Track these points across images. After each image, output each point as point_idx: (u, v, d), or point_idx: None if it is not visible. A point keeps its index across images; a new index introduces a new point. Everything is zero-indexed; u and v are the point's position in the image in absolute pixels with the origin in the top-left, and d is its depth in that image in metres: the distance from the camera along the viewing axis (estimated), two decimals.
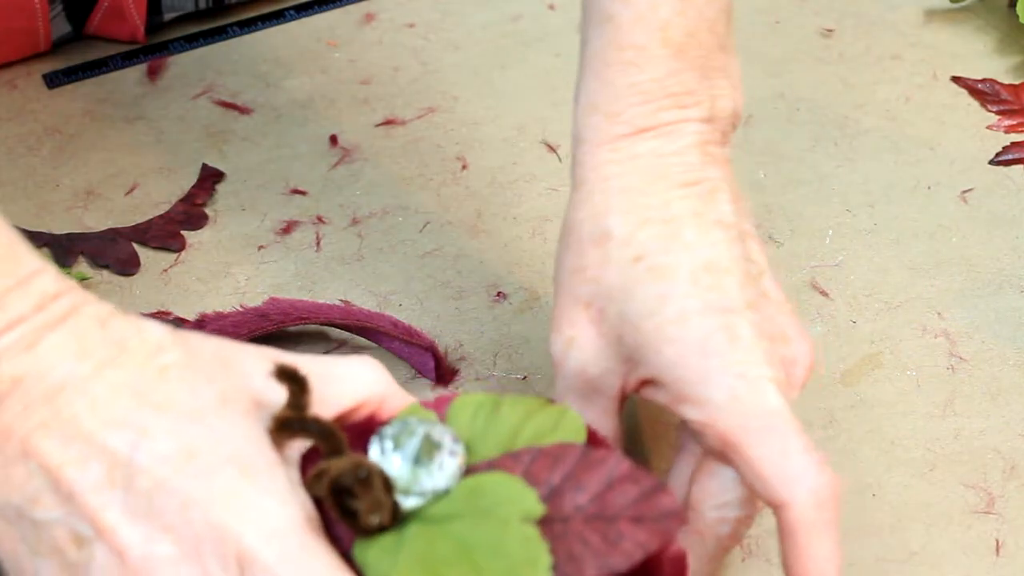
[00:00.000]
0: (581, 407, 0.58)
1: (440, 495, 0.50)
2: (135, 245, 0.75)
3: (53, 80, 0.84)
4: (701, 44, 0.58)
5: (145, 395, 0.48)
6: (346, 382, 0.52)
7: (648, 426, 0.67)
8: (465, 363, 0.69)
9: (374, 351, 0.70)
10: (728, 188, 0.58)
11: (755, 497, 0.56)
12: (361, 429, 0.52)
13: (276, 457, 0.49)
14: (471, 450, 0.51)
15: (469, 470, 0.50)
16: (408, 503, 0.49)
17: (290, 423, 0.49)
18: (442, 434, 0.50)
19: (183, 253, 0.75)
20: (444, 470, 0.50)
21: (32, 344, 0.48)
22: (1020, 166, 0.80)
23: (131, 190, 0.78)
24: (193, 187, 0.78)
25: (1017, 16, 0.86)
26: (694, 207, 0.57)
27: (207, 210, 0.77)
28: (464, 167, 0.79)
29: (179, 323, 0.70)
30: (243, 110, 0.82)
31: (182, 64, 0.85)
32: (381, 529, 0.49)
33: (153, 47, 0.86)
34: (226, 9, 0.89)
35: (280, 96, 0.83)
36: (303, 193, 0.78)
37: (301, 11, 0.88)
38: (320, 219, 0.76)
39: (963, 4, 0.89)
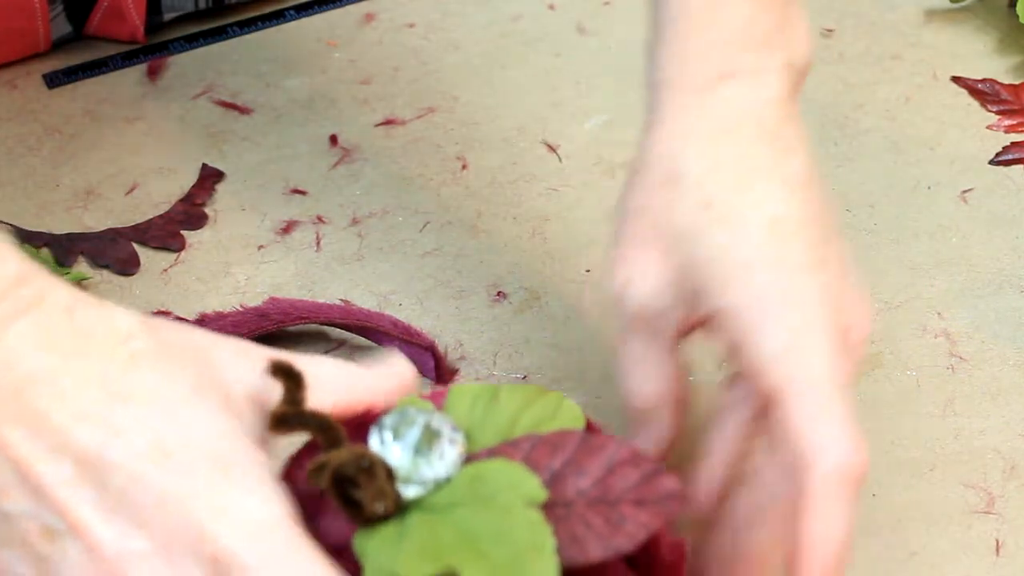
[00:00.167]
0: (643, 347, 0.58)
1: (441, 484, 0.50)
2: (135, 245, 0.75)
3: (53, 80, 0.84)
4: None
5: (115, 386, 0.47)
6: (317, 384, 0.51)
7: None
8: (465, 363, 0.69)
9: (374, 350, 0.70)
10: (802, 147, 0.58)
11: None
12: (359, 422, 0.52)
13: (254, 451, 0.48)
14: (470, 439, 0.51)
15: (468, 459, 0.50)
16: (409, 493, 0.49)
17: (288, 417, 0.49)
18: (441, 423, 0.50)
19: (183, 253, 0.75)
20: (444, 459, 0.50)
21: None
22: (1020, 166, 0.80)
23: (131, 190, 0.78)
24: (193, 187, 0.78)
25: (1017, 16, 0.86)
26: (769, 161, 0.57)
27: (207, 210, 0.77)
28: (464, 167, 0.79)
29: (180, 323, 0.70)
30: (243, 110, 0.82)
31: (182, 64, 0.85)
32: (383, 519, 0.49)
33: (153, 47, 0.86)
34: (226, 9, 0.89)
35: (280, 96, 0.83)
36: (303, 193, 0.78)
37: (301, 11, 0.88)
38: (320, 219, 0.76)
39: (963, 4, 0.89)
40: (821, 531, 0.53)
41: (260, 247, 0.75)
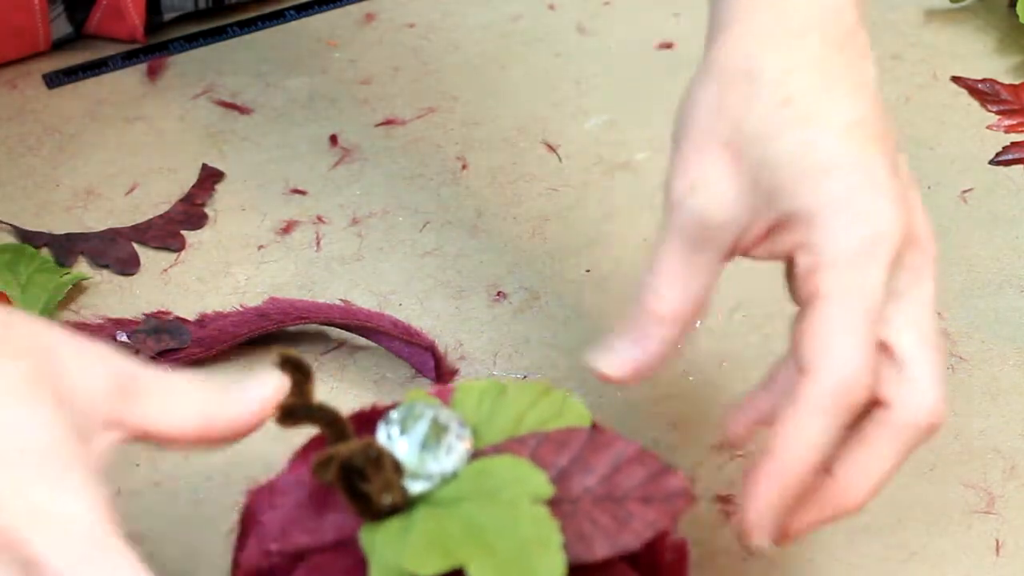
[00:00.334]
0: (688, 256, 0.55)
1: (447, 479, 0.50)
2: (135, 245, 0.75)
3: (53, 80, 0.84)
4: None
5: None
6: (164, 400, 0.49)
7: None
8: (465, 362, 0.69)
9: (374, 350, 0.70)
10: (872, 54, 0.57)
11: None
12: (366, 418, 0.52)
13: (77, 447, 0.46)
14: (476, 435, 0.51)
15: (475, 455, 0.50)
16: (416, 487, 0.49)
17: (295, 410, 0.49)
18: (448, 418, 0.50)
19: (183, 253, 0.75)
20: (451, 454, 0.50)
21: None
22: (1020, 166, 0.80)
23: (131, 190, 0.78)
24: (193, 187, 0.78)
25: (1017, 16, 0.86)
26: (846, 66, 0.56)
27: (207, 210, 0.77)
28: (464, 167, 0.79)
29: (180, 323, 0.70)
30: (243, 110, 0.82)
31: (182, 64, 0.85)
32: (390, 513, 0.49)
33: (153, 47, 0.86)
34: (226, 9, 0.89)
35: (280, 96, 0.83)
36: (303, 193, 0.78)
37: (301, 11, 0.88)
38: (320, 219, 0.76)
39: (963, 4, 0.89)
40: (795, 443, 0.52)
41: (260, 247, 0.75)
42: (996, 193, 0.78)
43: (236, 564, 0.51)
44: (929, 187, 0.79)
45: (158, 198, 0.77)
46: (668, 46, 0.86)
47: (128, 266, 0.74)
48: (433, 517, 0.48)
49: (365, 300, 0.72)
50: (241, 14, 0.88)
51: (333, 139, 0.80)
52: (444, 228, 0.76)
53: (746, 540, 0.53)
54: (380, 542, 0.48)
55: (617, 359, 0.55)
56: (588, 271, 0.74)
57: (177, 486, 0.64)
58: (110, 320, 0.71)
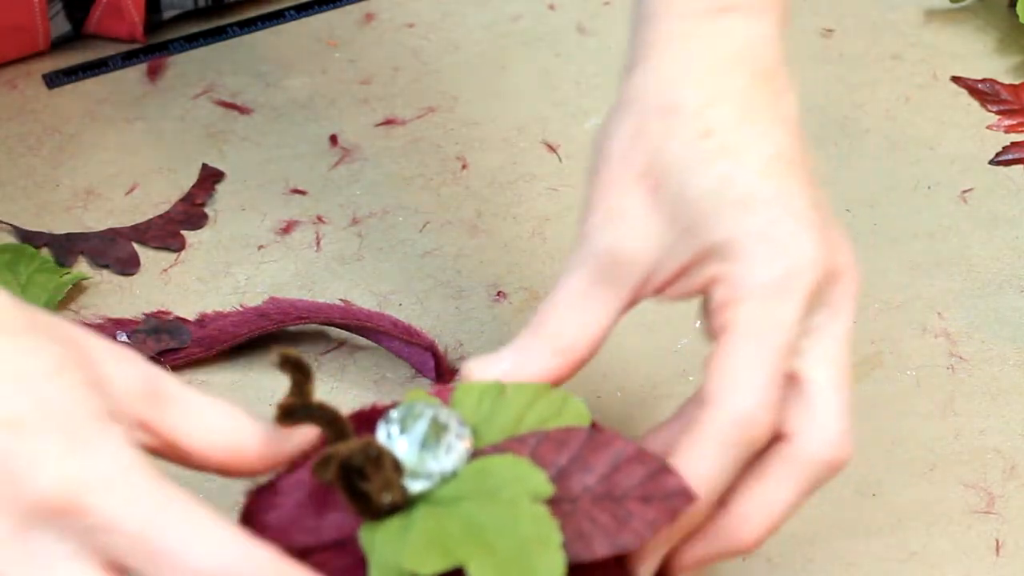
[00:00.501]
0: (589, 291, 0.54)
1: (447, 478, 0.49)
2: (135, 245, 0.75)
3: (53, 80, 0.84)
4: None
5: None
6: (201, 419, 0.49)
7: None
8: (465, 363, 0.69)
9: (374, 350, 0.70)
10: (794, 88, 0.57)
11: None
12: (365, 417, 0.52)
13: (112, 423, 0.46)
14: (476, 435, 0.51)
15: (475, 454, 0.50)
16: (415, 487, 0.49)
17: (295, 410, 0.49)
18: (448, 417, 0.50)
19: (183, 253, 0.75)
20: (451, 453, 0.50)
21: None
22: (1020, 166, 0.80)
23: (131, 190, 0.78)
24: (193, 187, 0.78)
25: (1017, 16, 0.85)
26: (767, 99, 0.55)
27: (207, 210, 0.77)
28: (464, 167, 0.79)
29: (180, 323, 0.70)
30: (243, 110, 0.82)
31: (182, 64, 0.85)
32: (390, 512, 0.49)
33: (153, 47, 0.86)
34: (225, 8, 0.89)
35: (280, 96, 0.83)
36: (303, 193, 0.78)
37: (301, 11, 0.88)
38: (320, 219, 0.76)
39: (963, 4, 0.89)
40: (688, 475, 0.51)
41: (260, 247, 0.75)
42: (996, 193, 0.78)
43: None
44: (929, 187, 0.79)
45: (158, 198, 0.77)
46: None
47: (128, 266, 0.74)
48: (433, 516, 0.48)
49: (365, 300, 0.72)
50: (241, 13, 0.88)
51: (333, 139, 0.80)
52: (444, 228, 0.76)
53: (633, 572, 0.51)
54: (380, 541, 0.48)
55: (490, 368, 0.54)
56: None
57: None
58: (110, 320, 0.71)
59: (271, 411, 0.67)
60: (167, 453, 0.49)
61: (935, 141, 0.81)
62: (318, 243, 0.75)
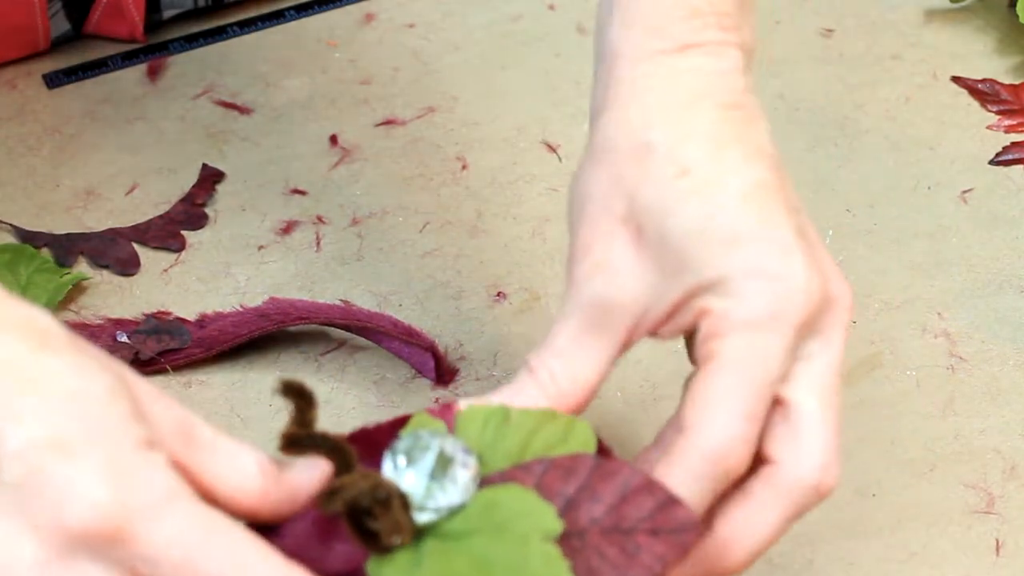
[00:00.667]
0: (582, 340, 0.53)
1: (455, 510, 0.49)
2: (135, 245, 0.75)
3: (53, 80, 0.84)
4: None
5: (22, 370, 0.44)
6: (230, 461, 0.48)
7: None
8: (465, 363, 0.69)
9: (374, 351, 0.70)
10: (764, 117, 0.56)
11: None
12: (368, 438, 0.51)
13: (158, 456, 0.45)
14: (482, 462, 0.50)
15: (481, 482, 0.50)
16: (422, 519, 0.49)
17: (298, 439, 0.48)
18: (454, 447, 0.50)
19: (183, 253, 0.75)
20: (458, 484, 0.49)
21: None
22: (1020, 166, 0.80)
23: (131, 190, 0.78)
24: (193, 187, 0.78)
25: (1017, 16, 0.85)
26: (738, 131, 0.54)
27: (207, 210, 0.77)
28: (464, 167, 0.79)
29: (180, 323, 0.70)
30: (243, 110, 0.82)
31: (182, 64, 0.85)
32: (398, 547, 0.48)
33: (153, 47, 0.86)
34: (225, 8, 0.89)
35: (280, 96, 0.83)
36: (303, 193, 0.78)
37: (301, 11, 0.88)
38: (320, 219, 0.76)
39: (963, 4, 0.89)
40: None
41: (260, 247, 0.75)
42: (996, 193, 0.78)
43: None
44: (929, 187, 0.79)
45: (158, 198, 0.77)
46: None
47: (128, 266, 0.74)
48: (442, 552, 0.48)
49: (365, 300, 0.72)
50: (241, 13, 0.88)
51: (333, 139, 0.80)
52: (444, 228, 0.76)
53: None
54: (389, 575, 0.48)
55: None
56: None
57: None
58: (110, 320, 0.71)
59: (271, 411, 0.67)
60: (199, 492, 0.48)
61: (935, 141, 0.81)
62: (318, 243, 0.75)
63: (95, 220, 0.76)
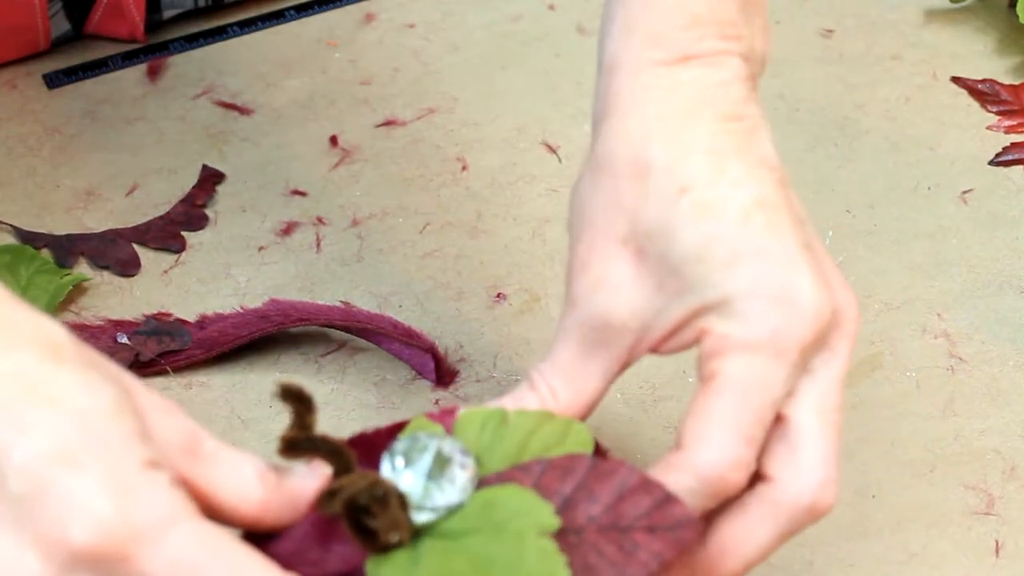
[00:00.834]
0: (583, 357, 0.53)
1: (453, 510, 0.49)
2: (135, 246, 0.75)
3: (53, 80, 0.84)
4: None
5: (31, 382, 0.44)
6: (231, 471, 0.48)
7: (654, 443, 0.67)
8: (465, 364, 0.69)
9: (375, 352, 0.70)
10: (767, 127, 0.55)
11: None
12: (367, 442, 0.51)
13: (161, 475, 0.45)
14: (480, 463, 0.51)
15: (479, 483, 0.50)
16: (420, 518, 0.49)
17: (298, 443, 0.48)
18: (452, 448, 0.50)
19: (183, 254, 0.75)
20: (456, 484, 0.49)
21: None
22: (1020, 167, 0.80)
23: (131, 191, 0.78)
24: (193, 188, 0.78)
25: (1017, 16, 0.85)
26: (739, 143, 0.53)
27: (207, 211, 0.77)
28: (464, 168, 0.79)
29: (180, 324, 0.70)
30: (243, 110, 0.82)
31: (182, 64, 0.85)
32: (396, 545, 0.48)
33: (153, 47, 0.86)
34: (225, 8, 0.89)
35: (280, 96, 0.83)
36: (303, 194, 0.78)
37: (301, 11, 0.88)
38: (320, 220, 0.76)
39: (963, 4, 0.89)
40: None
41: (260, 248, 0.75)
42: (996, 194, 0.78)
43: None
44: (929, 188, 0.79)
45: (158, 199, 0.77)
46: None
47: (128, 267, 0.74)
48: (440, 551, 0.48)
49: (365, 302, 0.72)
50: (241, 13, 0.88)
51: (333, 140, 0.80)
52: (444, 229, 0.76)
53: None
54: (387, 574, 0.48)
55: None
56: None
57: None
58: (110, 321, 0.71)
59: (271, 413, 0.67)
60: (203, 505, 0.48)
61: (935, 142, 0.81)
62: (318, 244, 0.75)
63: (95, 221, 0.76)
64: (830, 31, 0.88)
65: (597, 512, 0.49)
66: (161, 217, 0.76)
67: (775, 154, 0.54)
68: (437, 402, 0.68)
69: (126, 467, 0.44)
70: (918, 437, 0.67)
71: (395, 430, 0.52)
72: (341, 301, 0.72)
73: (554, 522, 0.48)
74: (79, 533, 0.43)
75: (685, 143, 0.53)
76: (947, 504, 0.65)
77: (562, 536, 0.48)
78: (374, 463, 0.50)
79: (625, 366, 0.54)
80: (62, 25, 0.85)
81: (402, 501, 0.48)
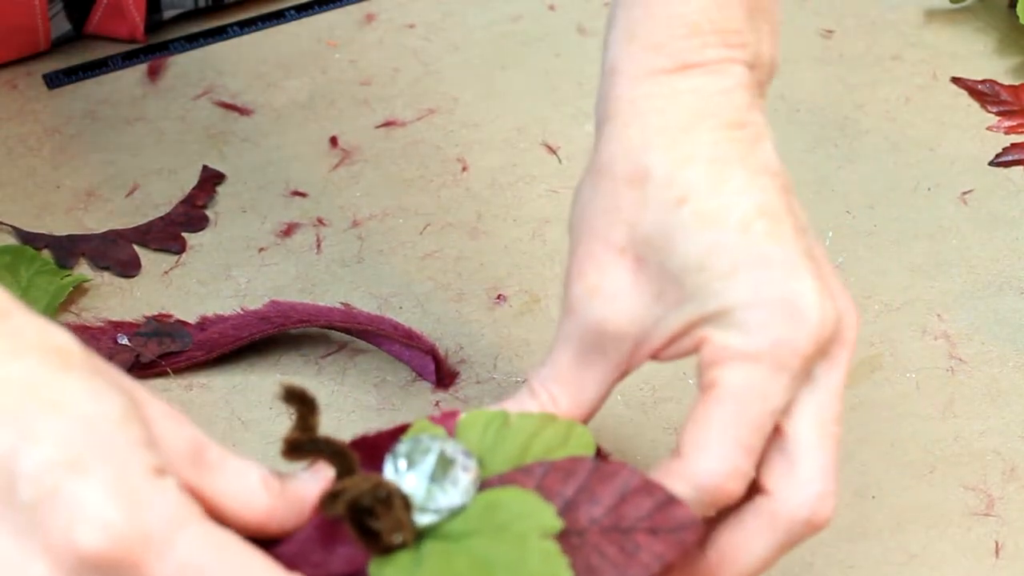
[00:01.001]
0: (582, 364, 0.53)
1: (455, 512, 0.49)
2: (136, 247, 0.75)
3: (53, 80, 0.84)
4: None
5: (41, 391, 0.44)
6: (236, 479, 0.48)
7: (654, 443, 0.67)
8: (465, 366, 0.69)
9: (375, 354, 0.70)
10: (769, 134, 0.54)
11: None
12: (369, 444, 0.51)
13: (168, 481, 0.45)
14: (482, 465, 0.51)
15: (482, 485, 0.50)
16: (423, 520, 0.49)
17: (301, 444, 0.48)
18: (455, 450, 0.50)
19: (184, 255, 0.75)
20: (459, 486, 0.49)
21: None
22: (1020, 167, 0.80)
23: (132, 191, 0.78)
24: (194, 188, 0.78)
25: (1017, 17, 0.85)
26: (740, 151, 0.52)
27: (208, 212, 0.77)
28: (464, 168, 0.79)
29: (181, 326, 0.70)
30: (243, 111, 0.82)
31: (182, 64, 0.85)
32: (399, 547, 0.49)
33: (153, 47, 0.86)
34: (225, 8, 0.89)
35: (280, 97, 0.83)
36: (303, 195, 0.78)
37: (301, 11, 0.88)
38: (320, 221, 0.76)
39: (963, 4, 0.89)
40: None
41: (261, 249, 0.75)
42: (996, 194, 0.78)
43: None
44: (929, 188, 0.79)
45: (159, 199, 0.77)
46: None
47: (129, 268, 0.74)
48: (442, 552, 0.48)
49: (366, 303, 0.72)
50: (241, 13, 0.88)
51: (333, 141, 0.80)
52: (444, 230, 0.76)
53: None
54: None
55: None
56: None
57: None
58: (111, 322, 0.71)
59: (271, 414, 0.67)
60: (210, 512, 0.48)
61: (935, 142, 0.81)
62: (318, 245, 0.75)
63: (96, 221, 0.76)
64: (830, 31, 0.88)
65: (599, 514, 0.49)
66: (161, 218, 0.76)
67: (778, 161, 0.54)
68: (437, 404, 0.68)
69: (134, 473, 0.44)
70: (918, 438, 0.67)
71: (397, 433, 0.52)
72: (341, 302, 0.72)
73: (556, 524, 0.48)
74: (88, 539, 0.43)
75: (685, 152, 0.52)
76: (947, 505, 0.65)
77: (564, 538, 0.49)
78: (376, 465, 0.50)
79: (625, 373, 0.54)
80: (62, 25, 0.85)
81: (405, 502, 0.49)
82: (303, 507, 0.49)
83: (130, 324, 0.71)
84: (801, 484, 0.51)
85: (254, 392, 0.68)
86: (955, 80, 0.85)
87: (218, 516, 0.48)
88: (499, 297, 0.73)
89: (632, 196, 0.53)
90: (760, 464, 0.52)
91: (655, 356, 0.54)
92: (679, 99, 0.53)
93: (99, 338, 0.69)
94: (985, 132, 0.82)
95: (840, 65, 0.85)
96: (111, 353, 0.68)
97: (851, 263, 0.75)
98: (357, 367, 0.70)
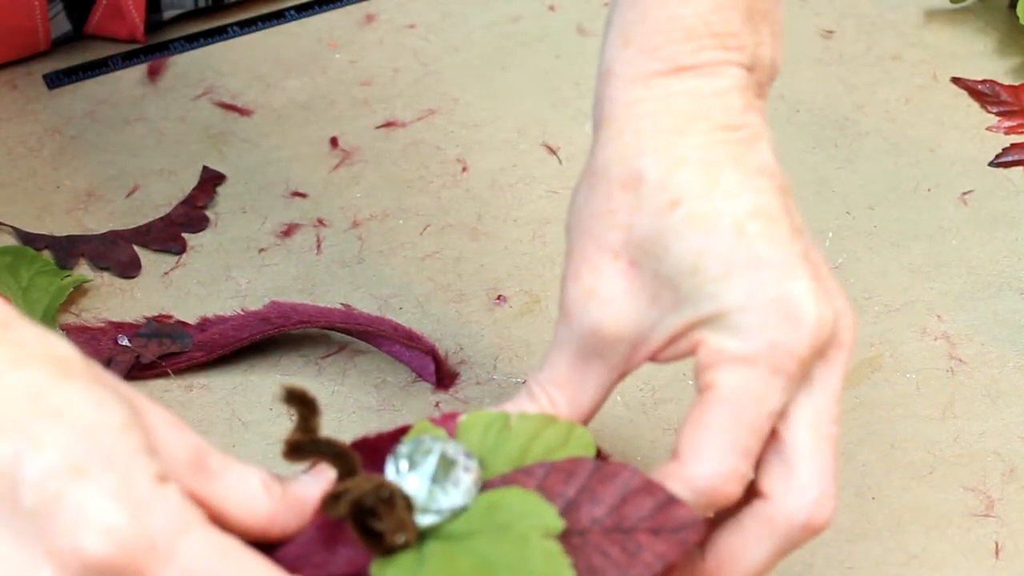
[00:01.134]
0: (575, 369, 0.53)
1: (457, 512, 0.49)
2: (136, 247, 0.75)
3: (53, 80, 0.84)
4: None
5: (42, 399, 0.45)
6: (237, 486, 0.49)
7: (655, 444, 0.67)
8: (465, 366, 0.70)
9: (375, 354, 0.70)
10: (766, 135, 0.54)
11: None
12: (371, 446, 0.51)
13: (171, 487, 0.45)
14: (483, 466, 0.51)
15: (483, 486, 0.50)
16: (425, 521, 0.49)
17: (302, 446, 0.48)
18: (456, 451, 0.50)
19: (184, 256, 0.75)
20: (460, 487, 0.49)
21: None
22: (1020, 168, 0.80)
23: (132, 192, 0.78)
24: (194, 189, 0.78)
25: (1017, 17, 0.85)
26: (735, 152, 0.52)
27: (208, 212, 0.77)
28: (464, 169, 0.79)
29: (181, 326, 0.70)
30: (243, 111, 0.82)
31: (182, 64, 0.85)
32: (401, 548, 0.49)
33: (153, 47, 0.86)
34: (225, 8, 0.89)
35: (280, 97, 0.83)
36: (303, 195, 0.78)
37: (301, 11, 0.88)
38: (320, 222, 0.76)
39: (963, 5, 0.89)
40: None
41: (261, 250, 0.75)
42: (996, 195, 0.78)
43: None
44: (929, 189, 0.79)
45: (159, 200, 0.77)
46: None
47: (129, 269, 0.74)
48: (445, 553, 0.48)
49: (366, 304, 0.72)
50: (241, 13, 0.88)
51: (333, 141, 0.80)
52: (444, 231, 0.76)
53: None
54: None
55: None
56: None
57: None
58: (111, 323, 0.71)
59: (272, 415, 0.67)
60: (212, 517, 0.48)
61: (935, 143, 0.81)
62: (319, 246, 0.75)
63: (96, 222, 0.76)
64: (830, 32, 0.88)
65: (601, 514, 0.49)
66: (162, 218, 0.76)
67: (775, 161, 0.54)
68: (438, 404, 0.68)
69: (136, 480, 0.45)
70: (918, 439, 0.67)
71: (398, 434, 0.52)
72: (342, 303, 0.72)
73: (558, 524, 0.48)
74: (93, 545, 0.43)
75: (678, 155, 0.52)
76: (947, 506, 0.65)
77: (566, 538, 0.49)
78: (377, 467, 0.50)
79: (622, 375, 0.54)
80: (62, 25, 0.85)
81: (407, 503, 0.49)
82: (305, 510, 0.49)
83: (130, 325, 0.71)
84: (799, 488, 0.51)
85: (254, 393, 0.68)
86: (955, 80, 0.85)
87: (221, 522, 0.48)
88: (499, 298, 0.73)
89: (626, 200, 0.53)
90: (758, 468, 0.52)
91: (653, 358, 0.54)
92: (672, 101, 0.53)
93: (99, 339, 0.69)
94: (985, 132, 0.82)
95: (840, 65, 0.86)
96: (111, 354, 0.68)
97: (851, 264, 0.75)
98: (357, 368, 0.70)
